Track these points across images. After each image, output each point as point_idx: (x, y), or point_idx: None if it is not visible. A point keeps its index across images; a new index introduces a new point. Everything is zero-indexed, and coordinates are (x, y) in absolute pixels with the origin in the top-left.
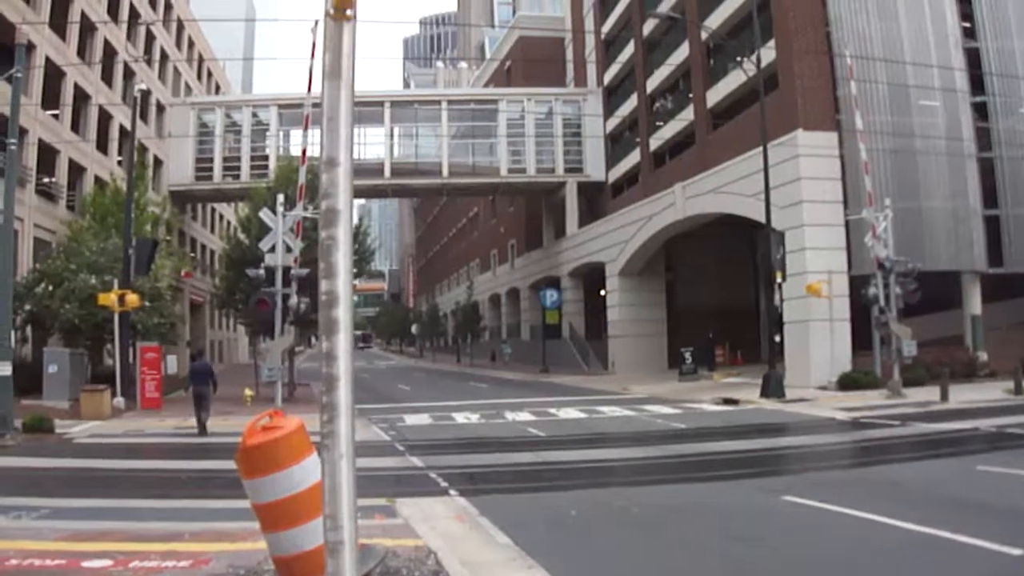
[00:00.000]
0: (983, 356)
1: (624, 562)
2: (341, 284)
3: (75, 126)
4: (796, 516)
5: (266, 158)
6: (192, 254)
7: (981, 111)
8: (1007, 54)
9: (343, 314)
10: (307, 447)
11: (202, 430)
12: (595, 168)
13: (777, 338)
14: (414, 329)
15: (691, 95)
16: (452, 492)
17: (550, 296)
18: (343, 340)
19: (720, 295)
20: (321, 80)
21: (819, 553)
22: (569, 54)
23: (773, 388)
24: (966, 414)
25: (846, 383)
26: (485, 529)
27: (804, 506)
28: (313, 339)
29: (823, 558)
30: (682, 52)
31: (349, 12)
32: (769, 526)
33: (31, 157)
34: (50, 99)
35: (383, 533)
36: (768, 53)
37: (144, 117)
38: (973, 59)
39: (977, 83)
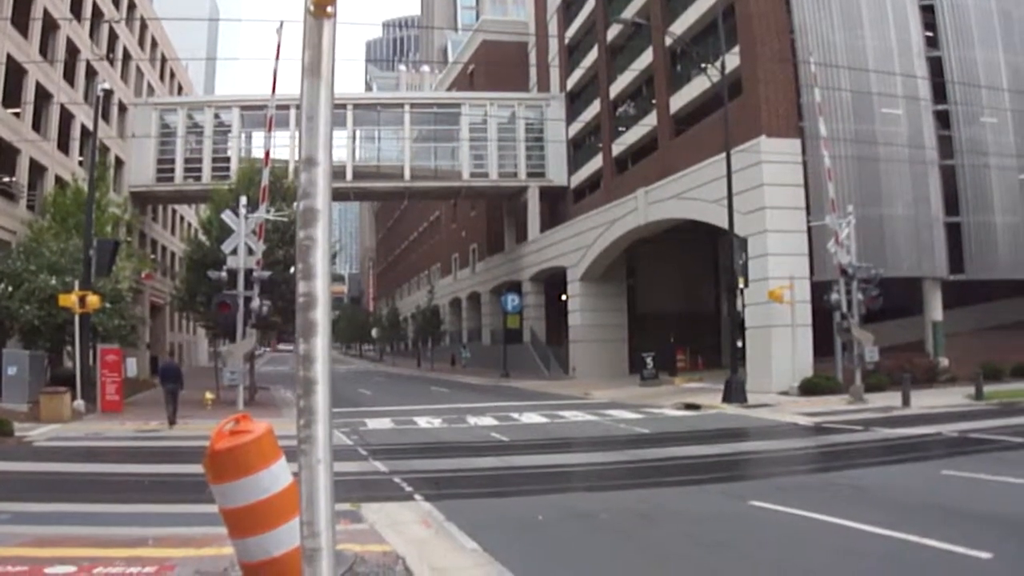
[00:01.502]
0: (944, 362)
1: (593, 565)
2: (320, 286)
3: (36, 125)
4: (764, 521)
5: (228, 159)
6: (153, 256)
7: (943, 119)
8: (969, 63)
9: (322, 316)
10: (275, 451)
11: (171, 423)
12: (557, 173)
13: (739, 343)
14: (374, 333)
15: (654, 101)
16: (417, 497)
17: (511, 301)
18: (321, 343)
19: (682, 300)
20: (300, 79)
21: (787, 557)
22: (533, 59)
23: (735, 393)
24: (928, 419)
25: (808, 388)
26: (452, 534)
27: (771, 511)
28: (273, 342)
29: (792, 563)
30: (646, 58)
31: (330, 9)
32: (737, 531)
33: None
34: (11, 97)
35: (350, 538)
36: (732, 59)
37: (106, 117)
38: (936, 68)
39: (939, 92)
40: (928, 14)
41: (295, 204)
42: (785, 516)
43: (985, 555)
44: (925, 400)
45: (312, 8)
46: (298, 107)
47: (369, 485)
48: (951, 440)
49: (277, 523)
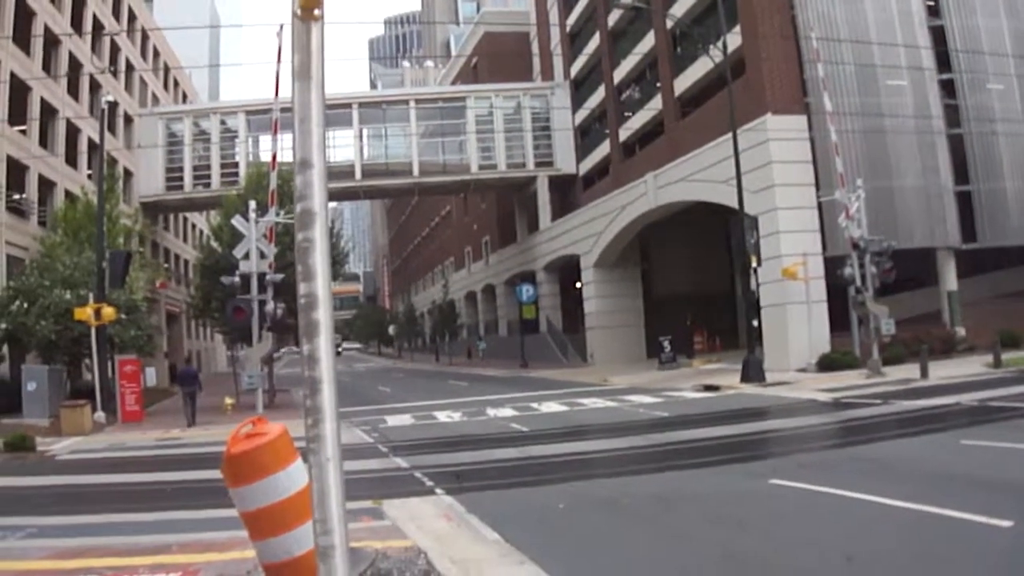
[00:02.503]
0: (961, 331)
1: (615, 552)
2: (320, 286)
3: (43, 141)
4: (784, 499)
5: (236, 165)
6: (166, 265)
7: (948, 88)
8: (972, 31)
9: (323, 316)
10: (291, 453)
11: (189, 424)
12: (565, 161)
13: (755, 323)
14: (391, 330)
15: (659, 84)
16: (438, 491)
17: (526, 291)
18: (324, 342)
19: (696, 282)
20: (291, 82)
21: (810, 534)
22: (535, 48)
23: (753, 373)
24: (946, 389)
25: (826, 364)
26: (473, 526)
27: (791, 488)
28: (292, 343)
29: (814, 539)
30: (648, 41)
31: (317, 12)
32: (758, 510)
33: (0, 174)
34: (17, 115)
35: (371, 535)
36: (734, 39)
37: (112, 129)
38: (938, 37)
39: (943, 61)
40: None
41: (290, 208)
42: (805, 493)
43: (1006, 523)
44: (943, 370)
45: (299, 12)
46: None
47: (390, 481)
48: (970, 409)
49: (296, 523)
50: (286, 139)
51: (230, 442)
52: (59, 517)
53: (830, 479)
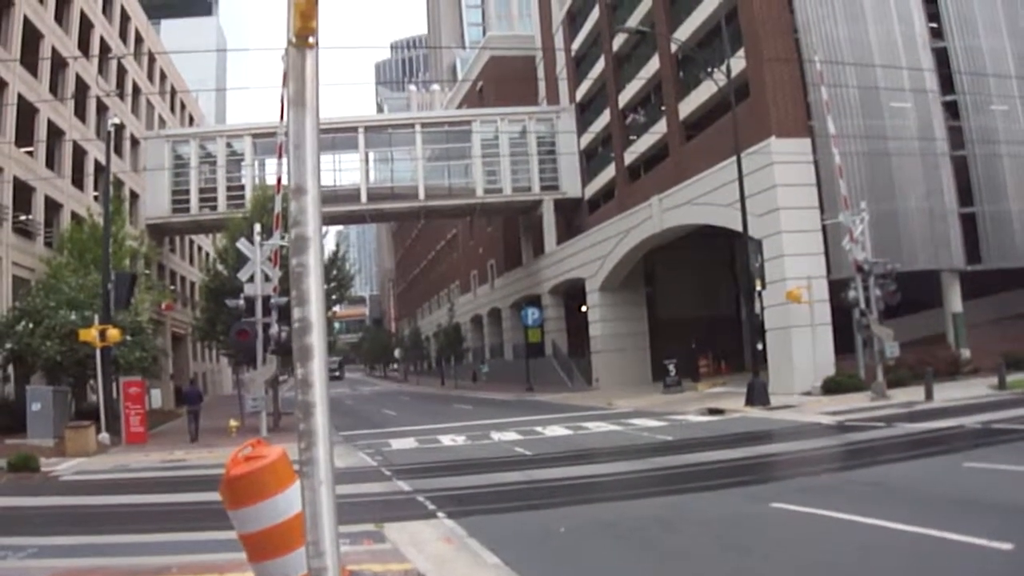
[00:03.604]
0: (966, 353)
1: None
2: (314, 311)
3: (50, 162)
4: (786, 523)
5: (242, 188)
6: (172, 287)
7: (952, 110)
8: (975, 52)
9: (317, 341)
10: (290, 475)
11: (192, 439)
12: (571, 185)
13: (760, 346)
14: (397, 353)
15: (663, 108)
16: (440, 514)
17: (531, 314)
18: (318, 367)
19: (701, 305)
20: (286, 108)
21: (812, 558)
22: (541, 72)
23: (758, 396)
24: (951, 412)
25: (830, 387)
26: (474, 550)
27: (792, 512)
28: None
29: (816, 563)
30: (653, 65)
31: (311, 40)
32: (759, 534)
33: (7, 195)
34: (24, 136)
35: (372, 558)
36: (738, 62)
37: (119, 151)
38: (942, 59)
39: (947, 82)
40: (931, 4)
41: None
42: (806, 516)
43: (1007, 546)
44: (948, 393)
45: (294, 39)
46: (286, 135)
47: (392, 505)
48: (974, 432)
49: (295, 546)
50: None
51: (229, 464)
52: (62, 537)
53: (833, 503)
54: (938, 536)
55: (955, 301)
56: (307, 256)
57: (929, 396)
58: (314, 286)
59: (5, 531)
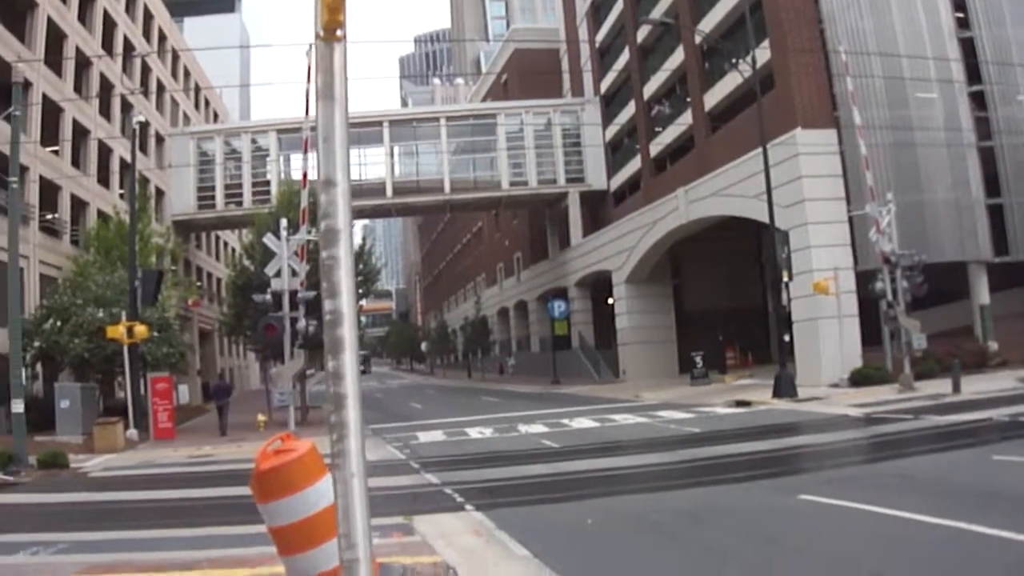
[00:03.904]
0: (993, 346)
1: (646, 568)
2: (345, 303)
3: (75, 161)
4: (815, 515)
5: (267, 183)
6: (198, 283)
7: (979, 100)
8: (1002, 42)
9: (348, 333)
10: (320, 469)
11: (222, 433)
12: (596, 177)
13: (787, 337)
14: (424, 347)
15: (688, 99)
16: (468, 507)
17: (558, 307)
18: (349, 359)
19: (728, 297)
20: (315, 102)
21: (841, 551)
22: (565, 64)
23: (785, 388)
24: (979, 404)
25: (857, 379)
26: (503, 542)
27: (822, 504)
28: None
29: (846, 555)
30: (677, 57)
31: (339, 33)
32: (789, 526)
33: (33, 194)
34: (49, 136)
35: (401, 551)
36: (763, 53)
37: (144, 149)
38: (968, 49)
39: (973, 72)
40: None
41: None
42: (835, 508)
43: None
44: (976, 385)
45: (322, 33)
46: (313, 129)
47: (421, 497)
48: (1002, 425)
49: (325, 539)
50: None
51: (259, 458)
52: (91, 533)
53: (861, 495)
54: (968, 529)
55: (982, 293)
56: (337, 248)
57: (957, 389)
58: (345, 278)
59: (35, 527)
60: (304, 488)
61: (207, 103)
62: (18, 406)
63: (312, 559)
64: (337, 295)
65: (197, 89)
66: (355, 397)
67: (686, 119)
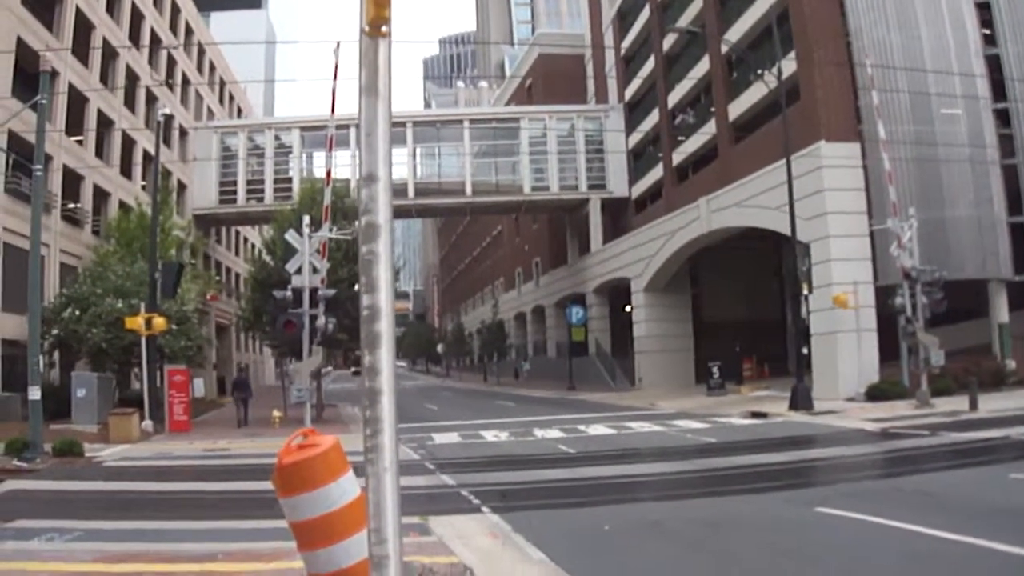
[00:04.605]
0: (1011, 364)
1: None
2: (383, 298)
3: (99, 152)
4: (830, 527)
5: (290, 180)
6: (218, 277)
7: (1003, 117)
8: None
9: (385, 328)
10: (343, 465)
11: (240, 425)
12: (618, 184)
13: (804, 350)
14: (440, 348)
15: (713, 109)
16: (484, 509)
17: (576, 313)
18: (386, 354)
19: (746, 308)
20: (358, 97)
21: (856, 562)
22: (590, 70)
23: (801, 400)
24: (996, 422)
25: (874, 394)
26: (519, 546)
27: (838, 517)
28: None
29: (860, 567)
30: (703, 66)
31: (384, 29)
32: (804, 537)
33: (56, 183)
34: (74, 125)
35: (418, 551)
36: (789, 65)
37: (167, 141)
38: (994, 65)
39: (999, 89)
40: (984, 11)
41: (357, 221)
42: (852, 522)
43: None
44: (993, 403)
45: (367, 28)
46: (357, 126)
47: (437, 499)
48: (1019, 443)
49: (346, 535)
50: (341, 156)
51: (282, 453)
52: (106, 522)
53: (877, 509)
54: (985, 546)
55: (1002, 311)
56: (377, 244)
57: (974, 406)
58: (384, 274)
59: (51, 514)
60: (327, 483)
61: (231, 98)
62: (35, 393)
63: (332, 554)
64: (376, 290)
65: (222, 84)
66: (390, 392)
67: (710, 129)
